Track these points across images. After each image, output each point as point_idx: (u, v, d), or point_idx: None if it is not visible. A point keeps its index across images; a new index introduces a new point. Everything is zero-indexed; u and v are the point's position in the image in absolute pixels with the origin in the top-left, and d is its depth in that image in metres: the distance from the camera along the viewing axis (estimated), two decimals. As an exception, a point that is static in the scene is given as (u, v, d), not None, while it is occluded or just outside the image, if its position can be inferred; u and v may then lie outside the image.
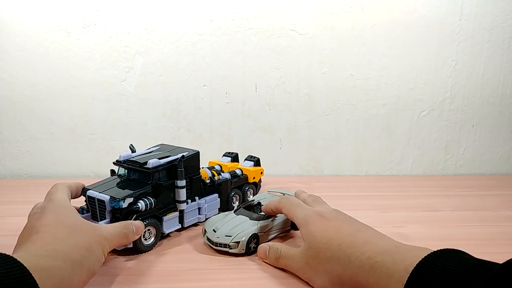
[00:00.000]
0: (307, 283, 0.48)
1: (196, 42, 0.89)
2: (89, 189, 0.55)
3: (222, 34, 0.89)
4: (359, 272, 0.40)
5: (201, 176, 0.64)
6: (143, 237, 0.54)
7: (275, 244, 0.52)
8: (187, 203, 0.61)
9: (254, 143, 0.95)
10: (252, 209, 0.63)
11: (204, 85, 0.91)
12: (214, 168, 0.71)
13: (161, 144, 0.67)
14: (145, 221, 0.54)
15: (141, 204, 0.54)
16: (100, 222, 0.53)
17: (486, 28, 0.92)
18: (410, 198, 0.80)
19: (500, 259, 0.55)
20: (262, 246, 0.53)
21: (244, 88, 0.92)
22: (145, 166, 0.56)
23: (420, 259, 0.35)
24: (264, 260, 0.52)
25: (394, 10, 0.90)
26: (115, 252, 0.53)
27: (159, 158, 0.58)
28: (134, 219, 0.53)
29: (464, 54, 0.93)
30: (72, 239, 0.40)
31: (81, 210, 0.56)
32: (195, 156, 0.63)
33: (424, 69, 0.93)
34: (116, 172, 0.61)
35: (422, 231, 0.64)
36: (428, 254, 0.35)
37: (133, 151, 0.62)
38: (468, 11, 0.91)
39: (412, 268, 0.34)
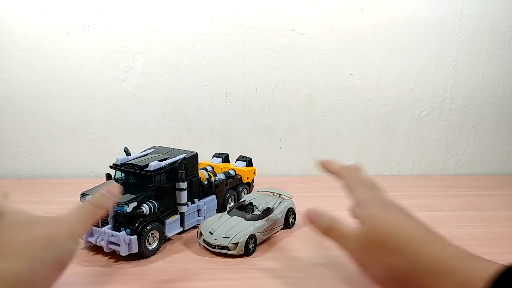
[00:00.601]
0: (308, 283, 0.48)
1: (196, 42, 0.89)
2: (88, 194, 0.54)
3: (222, 34, 0.89)
4: (427, 274, 0.36)
5: (200, 177, 0.64)
6: (147, 242, 0.54)
7: (330, 214, 0.46)
8: (187, 206, 0.60)
9: (254, 143, 0.95)
10: (244, 209, 0.64)
11: (204, 85, 0.91)
12: (206, 169, 0.70)
13: (155, 146, 0.67)
14: (149, 226, 0.53)
15: (145, 208, 0.53)
16: (103, 228, 0.53)
17: (486, 28, 0.92)
18: (410, 198, 0.80)
19: (501, 259, 0.55)
20: (314, 210, 0.46)
21: (244, 88, 0.92)
22: (147, 169, 0.56)
23: (502, 269, 0.32)
24: (313, 224, 0.46)
25: (394, 10, 0.90)
26: (119, 258, 0.53)
27: (159, 161, 0.57)
28: (138, 224, 0.52)
29: (464, 54, 0.93)
30: (25, 235, 0.37)
31: None
32: (194, 157, 0.63)
33: (424, 69, 0.93)
34: (113, 176, 0.60)
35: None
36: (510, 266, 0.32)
37: (128, 154, 0.60)
38: (468, 11, 0.90)
39: (491, 277, 0.31)
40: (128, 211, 0.52)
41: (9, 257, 0.34)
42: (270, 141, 0.95)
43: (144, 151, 0.64)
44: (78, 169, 0.93)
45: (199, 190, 0.64)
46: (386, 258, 0.39)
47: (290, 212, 0.64)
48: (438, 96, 0.95)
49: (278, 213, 0.62)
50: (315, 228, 0.46)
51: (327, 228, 0.45)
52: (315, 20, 0.89)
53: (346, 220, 0.69)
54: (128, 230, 0.51)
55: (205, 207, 0.64)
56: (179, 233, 0.61)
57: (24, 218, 0.40)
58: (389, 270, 0.39)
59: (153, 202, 0.54)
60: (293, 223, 0.65)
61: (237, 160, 0.78)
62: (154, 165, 0.56)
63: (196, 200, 0.63)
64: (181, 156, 0.59)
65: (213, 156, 0.78)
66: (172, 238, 0.60)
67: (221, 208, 0.67)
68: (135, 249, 0.52)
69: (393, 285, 0.38)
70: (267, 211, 0.61)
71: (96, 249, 0.55)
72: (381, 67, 0.92)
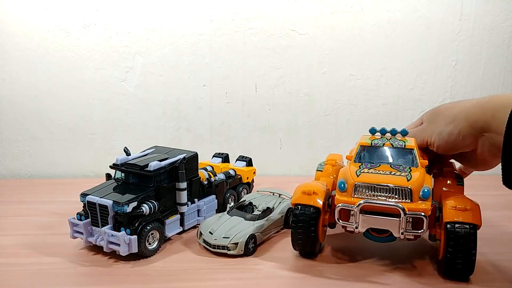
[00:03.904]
0: (308, 283, 0.48)
1: (196, 42, 0.89)
2: (89, 194, 0.54)
3: (222, 34, 0.89)
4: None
5: (200, 177, 0.63)
6: (147, 242, 0.54)
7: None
8: (187, 206, 0.60)
9: (254, 143, 0.95)
10: (244, 209, 0.64)
11: (204, 85, 0.91)
12: (206, 169, 0.70)
13: (155, 146, 0.67)
14: (149, 226, 0.53)
15: (145, 208, 0.53)
16: (103, 228, 0.53)
17: (486, 28, 0.92)
18: (410, 198, 0.80)
19: (501, 259, 0.55)
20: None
21: (244, 88, 0.92)
22: (146, 169, 0.56)
23: None
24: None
25: (394, 10, 0.90)
26: (119, 258, 0.53)
27: (159, 161, 0.57)
28: (138, 224, 0.52)
29: (464, 54, 0.93)
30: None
31: (78, 216, 0.55)
32: (194, 157, 0.63)
33: (424, 69, 0.93)
34: (113, 175, 0.60)
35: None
36: None
37: (128, 154, 0.60)
38: (468, 11, 0.90)
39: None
40: (128, 211, 0.52)
41: None
42: (270, 141, 0.95)
43: (144, 151, 0.64)
44: (78, 169, 0.93)
45: (199, 190, 0.63)
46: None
47: (290, 212, 0.64)
48: (438, 96, 0.95)
49: (278, 213, 0.62)
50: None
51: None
52: (315, 20, 0.89)
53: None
54: (128, 230, 0.51)
55: (205, 207, 0.64)
56: (179, 233, 0.61)
57: None
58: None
59: (153, 202, 0.54)
60: (293, 223, 0.65)
61: (237, 160, 0.78)
62: (154, 165, 0.56)
63: (196, 200, 0.63)
64: (181, 156, 0.59)
65: (213, 156, 0.78)
66: (172, 238, 0.60)
67: (221, 208, 0.67)
68: (135, 249, 0.52)
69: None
70: (267, 211, 0.61)
71: (96, 249, 0.55)
72: (381, 67, 0.92)
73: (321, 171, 0.63)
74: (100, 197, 0.53)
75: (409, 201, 0.49)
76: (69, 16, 0.85)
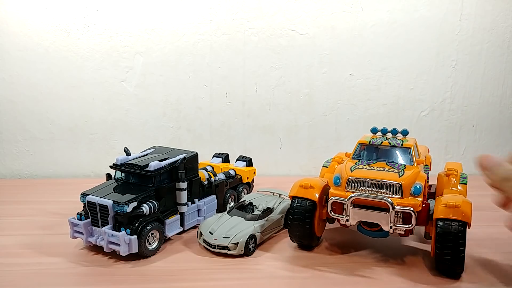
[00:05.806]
0: (308, 283, 0.48)
1: (196, 42, 0.89)
2: (89, 194, 0.54)
3: (222, 34, 0.89)
4: None
5: (200, 177, 0.63)
6: (147, 242, 0.54)
7: (505, 163, 0.42)
8: (187, 206, 0.60)
9: (254, 143, 0.95)
10: (244, 209, 0.64)
11: (204, 85, 0.91)
12: (206, 169, 0.70)
13: (155, 146, 0.67)
14: (149, 226, 0.53)
15: (145, 208, 0.53)
16: (103, 228, 0.53)
17: (486, 28, 0.92)
18: (410, 198, 0.80)
19: (501, 259, 0.55)
20: (489, 157, 0.43)
21: (244, 88, 0.92)
22: (147, 169, 0.56)
23: None
24: (485, 172, 0.43)
25: (394, 10, 0.90)
26: (119, 258, 0.53)
27: (159, 161, 0.57)
28: (138, 224, 0.52)
29: (464, 54, 0.93)
30: None
31: (78, 216, 0.55)
32: (194, 157, 0.63)
33: (424, 69, 0.93)
34: (113, 175, 0.60)
35: (423, 230, 0.64)
36: None
37: (128, 154, 0.60)
38: (468, 11, 0.91)
39: None
40: (128, 211, 0.52)
41: None
42: (270, 141, 0.95)
43: (144, 151, 0.64)
44: (78, 169, 0.93)
45: (199, 190, 0.63)
46: None
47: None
48: (438, 96, 0.95)
49: (278, 213, 0.62)
50: (487, 176, 0.43)
51: (502, 179, 0.42)
52: (315, 20, 0.89)
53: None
54: (128, 230, 0.51)
55: (205, 207, 0.64)
56: (179, 233, 0.61)
57: None
58: None
59: (153, 202, 0.54)
60: (293, 223, 0.65)
61: (237, 160, 0.78)
62: (154, 165, 0.56)
63: (196, 200, 0.63)
64: (181, 156, 0.59)
65: (213, 156, 0.78)
66: (172, 238, 0.60)
67: (221, 208, 0.67)
68: (135, 249, 0.52)
69: None
70: (267, 211, 0.61)
71: (96, 249, 0.55)
72: (381, 67, 0.92)
73: (327, 167, 0.64)
74: (100, 197, 0.53)
75: (399, 196, 0.50)
76: (69, 16, 0.85)
